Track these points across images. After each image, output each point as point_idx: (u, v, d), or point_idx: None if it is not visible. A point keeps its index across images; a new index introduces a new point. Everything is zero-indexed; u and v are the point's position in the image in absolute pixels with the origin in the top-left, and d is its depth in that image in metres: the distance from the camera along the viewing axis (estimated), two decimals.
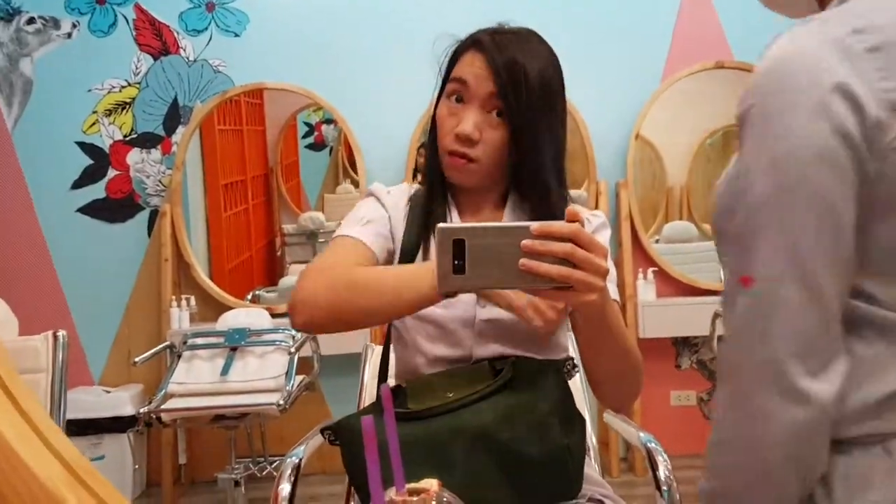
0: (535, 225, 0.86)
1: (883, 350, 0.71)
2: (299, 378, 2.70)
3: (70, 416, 3.01)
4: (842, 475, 0.73)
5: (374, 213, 1.21)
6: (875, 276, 0.71)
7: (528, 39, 1.13)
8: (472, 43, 1.14)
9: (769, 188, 0.71)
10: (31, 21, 3.23)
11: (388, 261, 1.20)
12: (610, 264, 1.16)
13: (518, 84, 1.09)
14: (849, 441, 0.73)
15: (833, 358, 0.71)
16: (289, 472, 1.24)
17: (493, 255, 0.86)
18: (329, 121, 3.61)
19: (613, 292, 1.12)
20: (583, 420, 1.08)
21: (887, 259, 0.71)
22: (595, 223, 1.21)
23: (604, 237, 1.20)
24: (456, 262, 0.86)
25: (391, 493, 0.51)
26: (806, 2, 0.84)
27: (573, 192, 3.43)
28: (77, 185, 3.29)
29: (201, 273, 3.30)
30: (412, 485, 0.52)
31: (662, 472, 1.18)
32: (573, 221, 0.88)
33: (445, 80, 1.17)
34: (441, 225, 0.87)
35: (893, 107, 0.67)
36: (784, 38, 0.73)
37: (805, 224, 0.70)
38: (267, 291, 3.55)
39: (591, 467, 1.29)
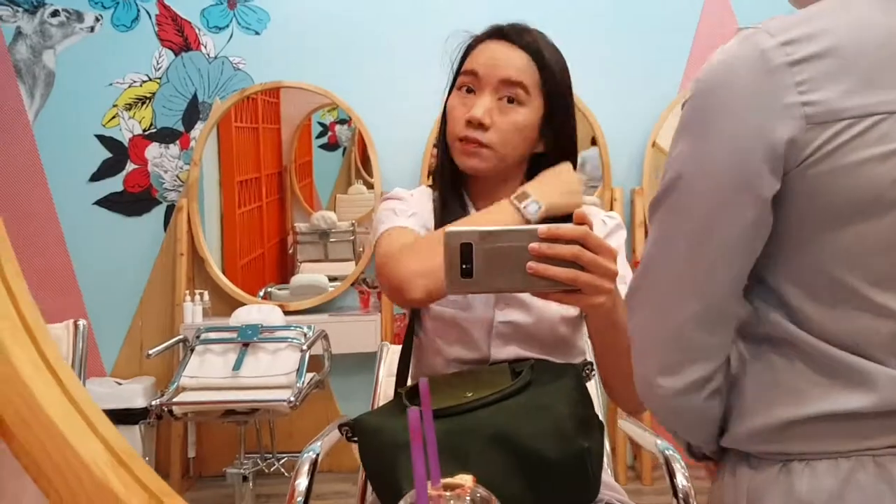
0: (542, 228, 0.86)
1: (804, 375, 0.71)
2: (309, 375, 2.71)
3: None
4: (746, 489, 0.75)
5: (415, 208, 1.21)
6: (812, 300, 0.71)
7: (542, 35, 1.17)
8: (488, 34, 1.17)
9: (660, 195, 0.75)
10: (55, 14, 3.25)
11: None
12: (625, 267, 1.17)
13: (544, 66, 1.13)
14: (756, 455, 0.75)
15: (686, 365, 0.75)
16: (306, 467, 1.24)
17: (500, 258, 0.86)
18: (343, 121, 3.63)
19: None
20: (601, 424, 1.08)
21: (817, 282, 0.71)
22: (610, 225, 1.21)
23: (619, 239, 1.20)
24: (464, 266, 0.86)
25: (427, 487, 0.51)
26: None
27: (588, 199, 3.44)
28: (95, 177, 3.31)
29: (216, 268, 3.31)
30: (447, 480, 0.52)
31: (680, 481, 1.18)
32: (581, 224, 0.88)
33: (456, 75, 1.19)
34: (449, 229, 0.87)
35: (810, 120, 0.67)
36: (723, 48, 0.74)
37: (671, 243, 0.74)
38: (279, 289, 3.57)
39: (607, 473, 1.29)
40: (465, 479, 0.52)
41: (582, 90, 3.28)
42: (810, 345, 0.70)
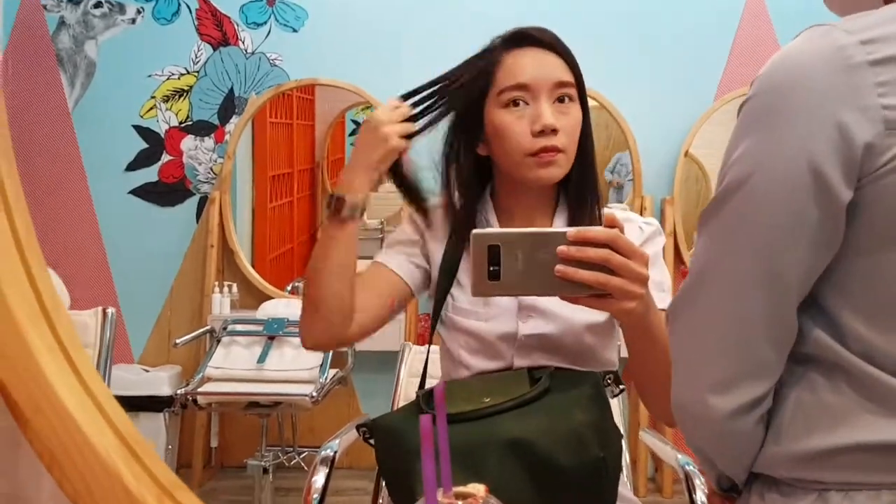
0: (571, 230, 0.84)
1: (851, 401, 0.67)
2: (333, 371, 2.72)
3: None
4: None
5: (407, 235, 1.23)
6: (868, 321, 0.67)
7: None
8: (516, 42, 1.14)
9: (721, 196, 0.70)
10: (97, 5, 3.31)
11: (422, 281, 1.21)
12: (663, 271, 1.15)
13: (574, 64, 1.14)
14: (789, 482, 0.71)
15: (743, 381, 0.70)
16: (323, 464, 1.25)
17: (528, 261, 0.84)
18: None
19: (664, 301, 1.09)
20: (619, 434, 1.06)
21: (876, 303, 0.66)
22: (648, 231, 1.18)
23: (657, 245, 1.18)
24: (491, 269, 0.84)
25: (438, 495, 0.51)
26: (869, 2, 0.79)
27: (618, 206, 3.41)
28: (131, 167, 3.36)
29: (245, 261, 3.34)
30: (459, 489, 0.52)
31: (700, 497, 1.16)
32: (611, 227, 0.86)
33: (483, 92, 1.14)
34: (476, 231, 0.86)
35: (890, 125, 0.63)
36: (792, 43, 0.69)
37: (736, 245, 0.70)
38: None
39: (624, 485, 1.27)
40: (478, 489, 0.51)
41: (616, 97, 3.29)
42: (860, 369, 0.66)
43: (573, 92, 1.13)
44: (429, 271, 1.21)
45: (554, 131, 1.09)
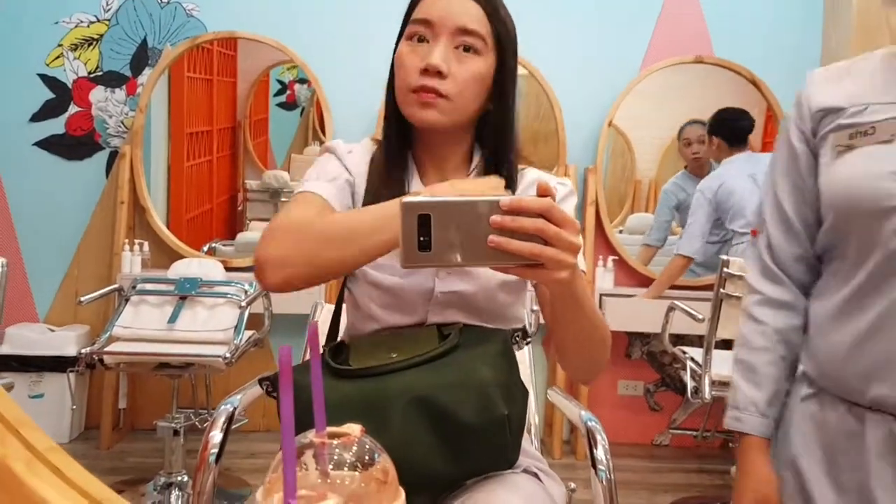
0: (504, 199, 0.80)
1: None
2: (248, 333, 2.67)
3: (11, 351, 2.96)
4: None
5: (339, 172, 1.16)
6: None
7: None
8: None
9: None
10: None
11: None
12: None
13: (497, 19, 1.09)
14: None
15: None
16: (222, 419, 1.20)
17: (460, 230, 0.80)
18: (303, 80, 3.55)
19: (581, 262, 1.10)
20: (525, 392, 1.06)
21: None
22: (562, 192, 1.17)
23: (569, 206, 1.17)
24: (421, 238, 0.80)
25: (310, 434, 0.50)
26: None
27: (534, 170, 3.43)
28: (36, 118, 3.20)
29: (157, 219, 3.23)
30: (332, 428, 0.50)
31: (600, 452, 1.17)
32: (545, 196, 0.83)
33: (405, 25, 1.12)
34: (405, 199, 0.82)
35: None
36: None
37: None
38: (224, 245, 3.50)
39: (530, 441, 1.28)
40: (353, 429, 0.50)
41: (543, 66, 3.29)
42: None
43: (479, 44, 1.08)
44: None
45: (439, 73, 1.06)
